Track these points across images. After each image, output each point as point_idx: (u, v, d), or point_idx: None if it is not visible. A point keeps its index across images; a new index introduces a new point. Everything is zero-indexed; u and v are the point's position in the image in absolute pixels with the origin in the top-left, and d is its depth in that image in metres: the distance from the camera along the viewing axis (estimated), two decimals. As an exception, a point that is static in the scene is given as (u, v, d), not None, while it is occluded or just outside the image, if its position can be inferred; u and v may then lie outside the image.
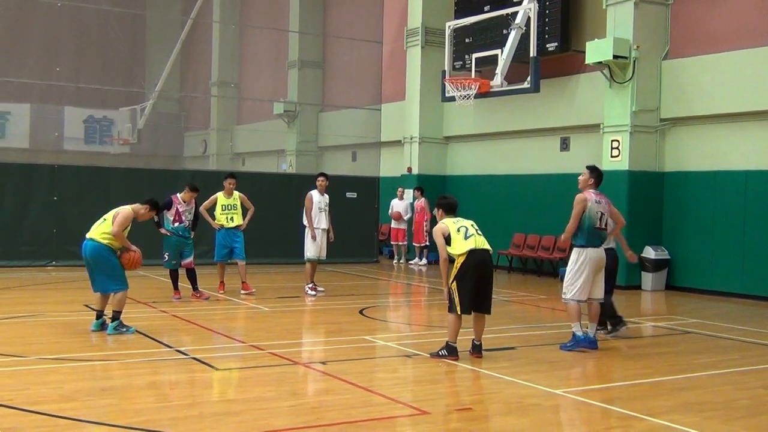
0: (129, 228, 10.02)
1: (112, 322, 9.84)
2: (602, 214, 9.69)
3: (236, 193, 14.01)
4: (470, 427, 6.48)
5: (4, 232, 17.42)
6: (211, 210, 13.98)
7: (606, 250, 9.95)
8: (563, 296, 9.75)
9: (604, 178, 10.12)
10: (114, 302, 9.87)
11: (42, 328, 10.32)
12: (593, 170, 9.95)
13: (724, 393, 7.74)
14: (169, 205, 12.85)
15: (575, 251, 9.67)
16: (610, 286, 10.31)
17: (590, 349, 9.55)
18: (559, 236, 17.66)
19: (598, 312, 9.84)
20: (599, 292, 9.75)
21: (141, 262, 10.14)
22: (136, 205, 10.16)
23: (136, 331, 9.93)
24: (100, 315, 10.04)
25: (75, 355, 8.68)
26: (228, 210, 13.93)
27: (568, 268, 9.76)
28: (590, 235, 9.58)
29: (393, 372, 8.63)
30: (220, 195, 13.98)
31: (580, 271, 9.56)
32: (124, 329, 9.84)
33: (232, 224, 13.94)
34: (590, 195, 9.68)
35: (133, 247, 10.00)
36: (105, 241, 9.78)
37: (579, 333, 9.57)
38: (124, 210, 9.95)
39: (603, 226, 9.71)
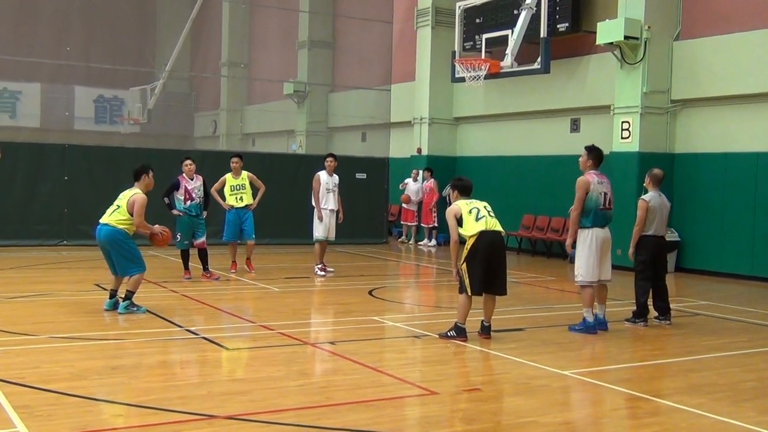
0: None
1: (123, 301, 9.92)
2: (605, 194, 9.66)
3: (244, 173, 14.12)
4: (478, 407, 6.51)
5: (15, 212, 17.49)
6: (221, 191, 14.09)
7: (659, 237, 10.13)
8: (575, 279, 9.76)
9: (604, 158, 9.98)
10: (130, 283, 9.93)
11: (53, 307, 10.40)
12: (591, 150, 9.80)
13: (732, 375, 7.74)
14: (177, 186, 12.95)
15: (581, 232, 9.68)
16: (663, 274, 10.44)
17: (600, 331, 9.59)
18: (567, 218, 17.59)
19: (606, 293, 9.86)
20: (607, 273, 9.76)
21: (170, 237, 10.59)
22: (139, 183, 10.17)
23: (147, 310, 10.01)
24: (113, 294, 10.09)
25: (86, 333, 8.75)
26: (236, 190, 14.06)
27: (576, 250, 9.76)
28: (596, 216, 9.57)
29: (401, 352, 8.67)
30: (228, 176, 14.13)
31: (589, 252, 9.57)
32: (135, 309, 9.91)
33: (241, 204, 14.04)
34: (592, 177, 9.61)
35: (156, 229, 10.16)
36: (121, 226, 9.83)
37: (590, 319, 9.57)
38: (138, 197, 9.94)
39: (608, 206, 9.70)
